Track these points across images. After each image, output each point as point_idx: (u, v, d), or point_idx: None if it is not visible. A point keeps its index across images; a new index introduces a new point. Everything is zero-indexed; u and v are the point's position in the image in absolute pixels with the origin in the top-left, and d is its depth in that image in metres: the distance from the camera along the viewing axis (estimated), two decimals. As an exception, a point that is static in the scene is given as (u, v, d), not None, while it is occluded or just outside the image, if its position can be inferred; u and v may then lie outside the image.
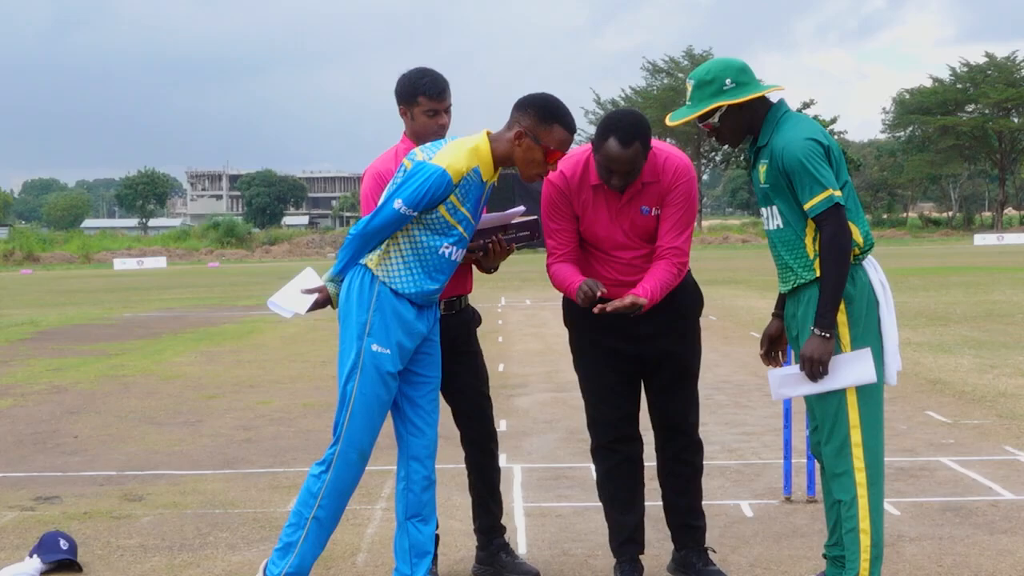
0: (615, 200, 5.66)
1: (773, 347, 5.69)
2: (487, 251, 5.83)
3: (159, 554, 6.75)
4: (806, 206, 5.09)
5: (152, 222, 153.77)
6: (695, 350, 6.04)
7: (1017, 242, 75.09)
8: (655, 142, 5.64)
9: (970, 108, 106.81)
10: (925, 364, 14.29)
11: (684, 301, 5.89)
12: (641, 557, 6.05)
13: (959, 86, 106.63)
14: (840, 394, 5.21)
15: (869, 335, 5.22)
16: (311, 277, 5.51)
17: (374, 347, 5.25)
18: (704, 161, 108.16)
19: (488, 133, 5.33)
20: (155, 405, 12.62)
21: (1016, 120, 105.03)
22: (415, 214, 5.16)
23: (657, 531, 6.41)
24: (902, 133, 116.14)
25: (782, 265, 5.36)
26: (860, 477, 5.21)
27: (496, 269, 6.06)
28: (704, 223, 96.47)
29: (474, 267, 6.10)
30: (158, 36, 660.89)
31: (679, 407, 6.00)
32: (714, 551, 6.22)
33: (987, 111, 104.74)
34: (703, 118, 5.31)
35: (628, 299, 5.42)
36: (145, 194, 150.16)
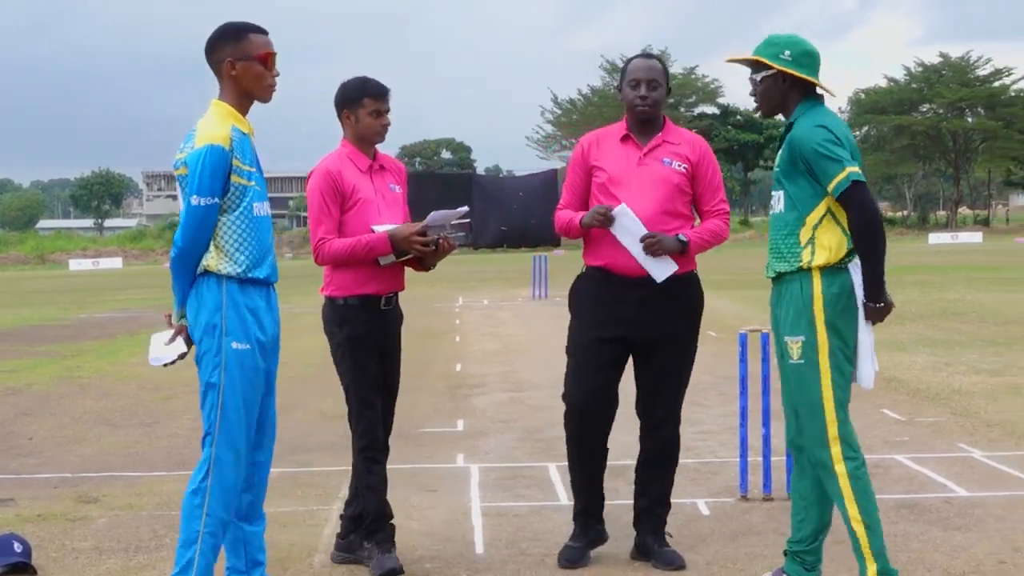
0: (636, 150, 6.21)
1: None
2: (438, 247, 6.16)
3: (114, 556, 6.71)
4: (829, 187, 5.26)
5: (108, 223, 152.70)
6: (691, 346, 6.41)
7: (971, 241, 75.59)
8: (679, 128, 6.41)
9: (924, 108, 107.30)
10: (880, 362, 14.27)
11: (688, 292, 6.33)
12: (600, 534, 6.46)
13: (914, 86, 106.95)
14: (817, 391, 5.37)
15: (845, 334, 5.38)
16: (163, 333, 5.39)
17: (234, 345, 5.17)
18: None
19: (214, 100, 5.34)
20: (110, 406, 12.55)
21: (970, 120, 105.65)
22: (218, 200, 5.12)
23: (616, 520, 6.43)
24: (857, 133, 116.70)
25: (772, 249, 5.55)
26: (840, 468, 5.35)
27: (434, 267, 6.41)
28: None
29: (409, 268, 6.40)
30: (117, 35, 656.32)
31: (668, 399, 6.34)
32: (671, 535, 6.44)
33: (941, 111, 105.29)
34: (753, 69, 5.55)
35: (672, 239, 6.05)
36: (100, 194, 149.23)
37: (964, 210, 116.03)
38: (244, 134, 5.27)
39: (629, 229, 6.04)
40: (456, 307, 27.18)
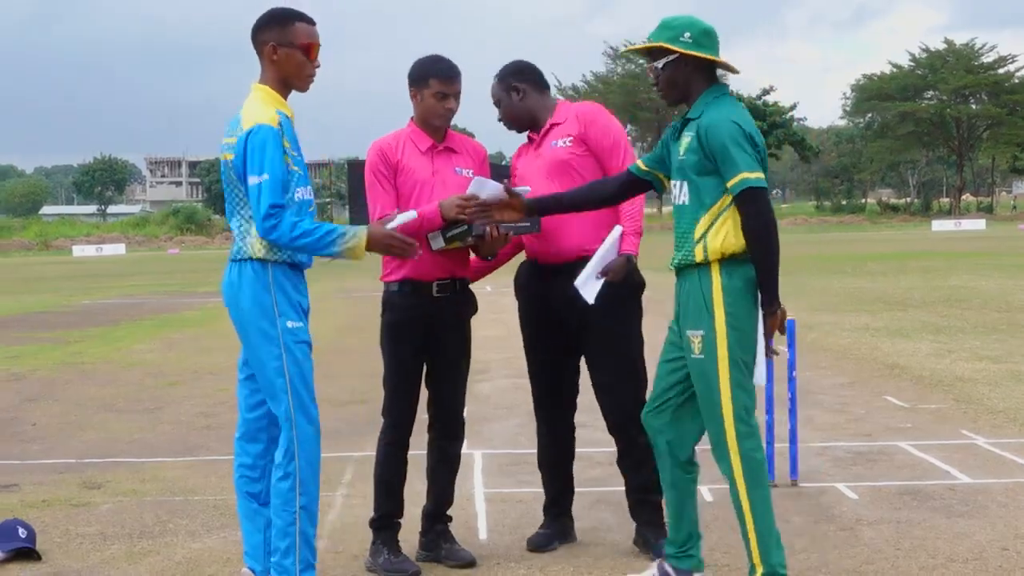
0: (534, 144, 6.35)
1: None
2: (483, 236, 5.90)
3: (119, 541, 6.72)
4: (728, 183, 5.14)
5: (111, 209, 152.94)
6: (631, 328, 6.21)
7: (974, 228, 75.51)
8: (572, 104, 6.36)
9: (929, 95, 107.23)
10: (883, 349, 14.37)
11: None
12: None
13: (918, 72, 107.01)
14: (716, 392, 5.23)
15: (747, 330, 5.22)
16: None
17: (289, 324, 5.23)
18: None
19: (256, 84, 5.38)
20: (114, 393, 12.56)
21: (974, 107, 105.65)
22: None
23: (622, 509, 6.44)
24: (861, 120, 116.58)
25: (677, 241, 5.41)
26: (738, 469, 5.26)
27: (495, 256, 6.27)
28: (664, 209, 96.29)
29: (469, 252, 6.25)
30: (120, 22, 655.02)
31: (620, 388, 6.19)
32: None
33: (945, 98, 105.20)
34: (653, 56, 5.39)
35: (622, 259, 5.95)
36: (103, 181, 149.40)
37: (967, 197, 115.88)
38: (289, 118, 5.31)
39: (605, 251, 5.96)
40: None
